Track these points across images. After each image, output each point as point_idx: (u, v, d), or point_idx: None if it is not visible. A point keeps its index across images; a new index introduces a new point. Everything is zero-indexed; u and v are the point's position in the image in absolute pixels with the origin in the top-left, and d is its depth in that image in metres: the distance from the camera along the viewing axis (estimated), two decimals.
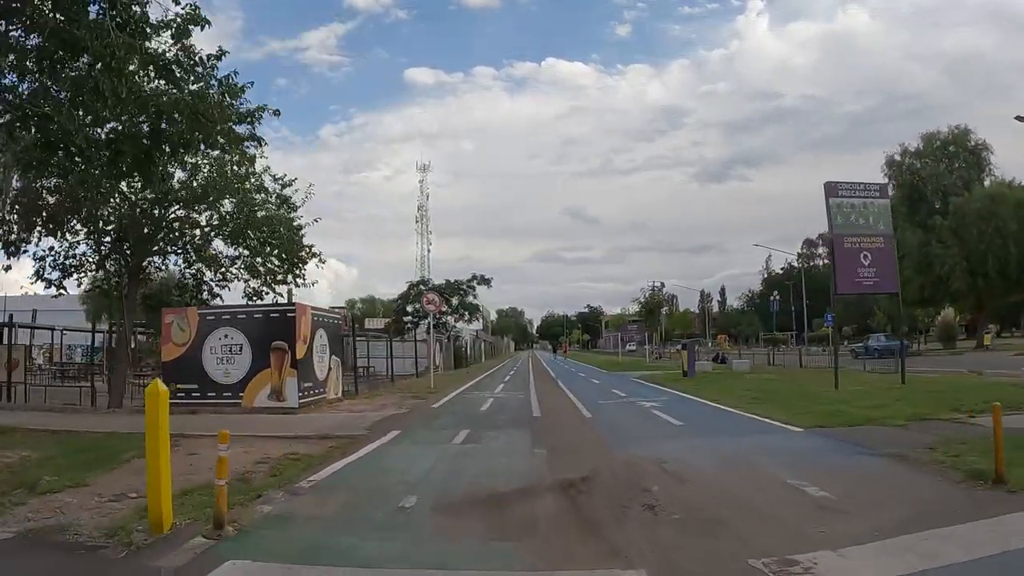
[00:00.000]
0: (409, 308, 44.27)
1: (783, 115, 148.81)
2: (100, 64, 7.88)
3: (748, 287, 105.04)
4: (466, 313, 45.40)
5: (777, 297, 35.83)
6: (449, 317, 44.59)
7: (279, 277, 18.00)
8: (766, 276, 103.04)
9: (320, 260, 18.71)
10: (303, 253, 19.07)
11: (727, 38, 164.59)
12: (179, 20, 9.02)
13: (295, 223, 18.94)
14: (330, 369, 15.86)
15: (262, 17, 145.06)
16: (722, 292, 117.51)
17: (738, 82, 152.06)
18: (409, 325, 42.94)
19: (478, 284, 45.37)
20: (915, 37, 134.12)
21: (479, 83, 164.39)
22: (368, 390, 19.21)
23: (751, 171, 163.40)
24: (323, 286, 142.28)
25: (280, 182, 19.19)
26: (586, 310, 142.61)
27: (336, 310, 22.47)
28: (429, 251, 70.57)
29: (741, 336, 79.04)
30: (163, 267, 19.74)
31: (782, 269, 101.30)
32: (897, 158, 47.90)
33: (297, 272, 18.42)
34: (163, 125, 9.87)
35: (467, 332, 49.57)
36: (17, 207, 15.82)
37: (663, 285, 57.03)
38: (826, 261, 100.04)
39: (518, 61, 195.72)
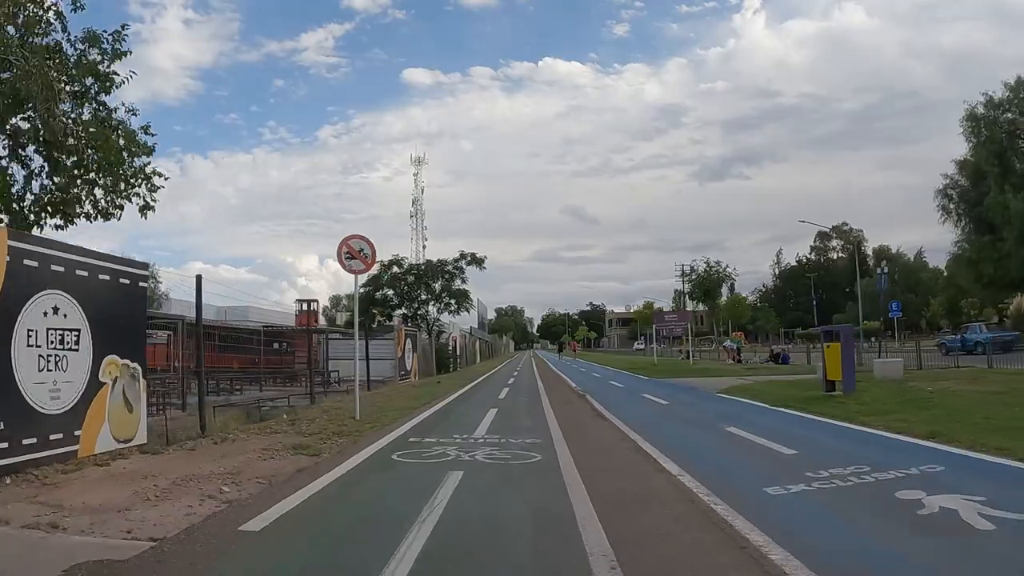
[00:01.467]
0: (378, 295, 34.36)
1: (782, 113, 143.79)
2: None
3: (750, 285, 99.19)
4: (452, 302, 35.21)
5: (885, 269, 26.86)
6: (431, 307, 34.99)
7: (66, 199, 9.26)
8: (777, 272, 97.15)
9: (154, 182, 10.05)
10: (143, 169, 10.50)
11: (724, 36, 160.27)
12: None
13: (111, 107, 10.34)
14: (98, 386, 6.91)
15: (260, 18, 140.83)
16: (731, 288, 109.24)
17: (736, 80, 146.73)
18: (380, 317, 33.51)
19: (467, 264, 34.80)
20: (913, 33, 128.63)
21: (477, 83, 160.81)
22: (246, 420, 10.23)
23: (751, 169, 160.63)
24: (323, 287, 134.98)
25: (93, 41, 10.62)
26: (588, 308, 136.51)
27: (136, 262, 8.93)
28: (424, 247, 62.45)
29: (756, 333, 73.24)
30: None
31: (796, 261, 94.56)
32: (980, 111, 39.74)
33: (122, 192, 9.82)
34: None
35: (455, 327, 39.86)
36: None
37: (692, 269, 47.45)
38: (841, 255, 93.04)
39: (515, 61, 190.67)
